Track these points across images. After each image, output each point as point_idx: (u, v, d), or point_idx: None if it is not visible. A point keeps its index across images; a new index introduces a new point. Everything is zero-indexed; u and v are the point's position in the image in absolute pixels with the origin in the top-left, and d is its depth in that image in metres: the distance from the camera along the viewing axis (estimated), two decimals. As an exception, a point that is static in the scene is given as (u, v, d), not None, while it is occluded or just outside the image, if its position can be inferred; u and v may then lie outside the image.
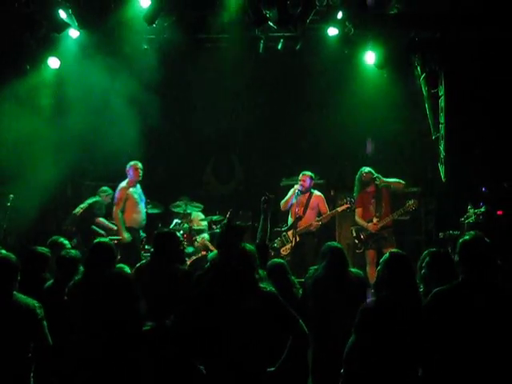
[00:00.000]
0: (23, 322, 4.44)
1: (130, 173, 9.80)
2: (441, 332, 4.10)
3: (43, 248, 5.98)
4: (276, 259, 6.00)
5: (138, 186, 9.94)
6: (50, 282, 5.59)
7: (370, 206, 9.48)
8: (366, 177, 9.50)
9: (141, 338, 4.46)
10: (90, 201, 10.59)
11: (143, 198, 10.00)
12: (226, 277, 4.07)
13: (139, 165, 9.87)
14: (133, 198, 9.76)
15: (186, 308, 4.10)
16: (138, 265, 6.02)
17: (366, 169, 9.57)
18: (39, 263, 5.77)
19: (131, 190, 9.77)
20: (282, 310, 4.09)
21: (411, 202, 9.34)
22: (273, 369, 4.05)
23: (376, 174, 9.48)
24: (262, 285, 4.15)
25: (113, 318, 4.31)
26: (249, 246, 4.28)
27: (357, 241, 9.54)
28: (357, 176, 9.64)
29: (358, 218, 9.55)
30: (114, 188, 10.23)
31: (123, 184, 9.80)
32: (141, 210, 9.92)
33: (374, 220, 9.36)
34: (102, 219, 10.39)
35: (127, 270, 5.49)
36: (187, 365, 4.04)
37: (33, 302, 4.57)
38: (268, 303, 4.05)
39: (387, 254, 4.64)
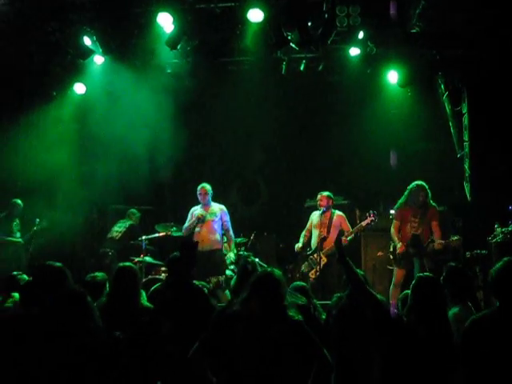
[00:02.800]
0: None
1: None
2: (479, 359, 4.02)
3: None
4: (298, 282, 5.93)
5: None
6: None
7: (407, 224, 8.79)
8: (415, 193, 8.82)
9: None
10: (125, 223, 10.67)
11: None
12: (254, 305, 4.02)
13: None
14: None
15: (211, 334, 4.06)
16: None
17: (419, 183, 8.87)
18: None
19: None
20: (307, 339, 4.04)
21: (456, 238, 8.64)
22: None
23: (429, 195, 8.81)
24: (290, 313, 4.08)
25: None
26: (277, 272, 4.21)
27: (391, 256, 8.91)
28: (408, 187, 8.93)
29: (393, 231, 8.88)
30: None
31: None
32: None
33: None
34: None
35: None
36: None
37: None
38: (295, 333, 3.99)
39: (417, 280, 4.56)
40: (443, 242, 8.56)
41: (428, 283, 4.46)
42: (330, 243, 9.14)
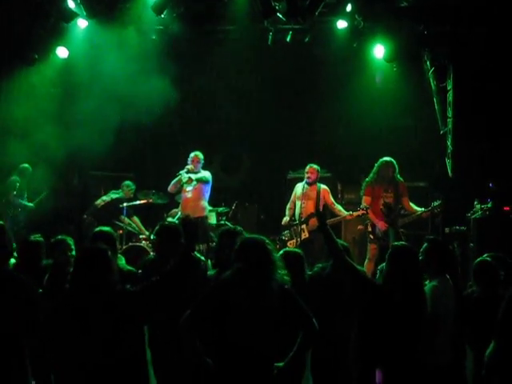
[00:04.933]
0: None
1: None
2: None
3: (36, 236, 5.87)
4: (294, 249, 5.86)
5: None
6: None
7: (380, 200, 9.01)
8: (385, 169, 9.10)
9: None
10: (113, 195, 10.62)
11: None
12: (244, 273, 4.00)
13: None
14: None
15: (202, 303, 4.04)
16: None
17: (387, 159, 9.15)
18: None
19: None
20: (296, 307, 4.03)
21: (438, 203, 8.94)
22: (281, 364, 3.98)
23: (397, 171, 9.10)
24: (278, 278, 4.06)
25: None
26: (263, 238, 4.17)
27: (371, 236, 9.07)
28: (376, 164, 9.19)
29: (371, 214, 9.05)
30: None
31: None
32: None
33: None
34: (129, 220, 10.31)
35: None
36: (196, 357, 4.00)
37: None
38: (284, 300, 3.98)
39: (392, 248, 4.65)
40: (429, 208, 8.91)
41: (403, 251, 4.60)
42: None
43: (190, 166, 9.56)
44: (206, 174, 9.68)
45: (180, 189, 9.71)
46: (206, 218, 9.76)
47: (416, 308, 4.38)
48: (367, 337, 4.50)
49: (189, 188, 9.59)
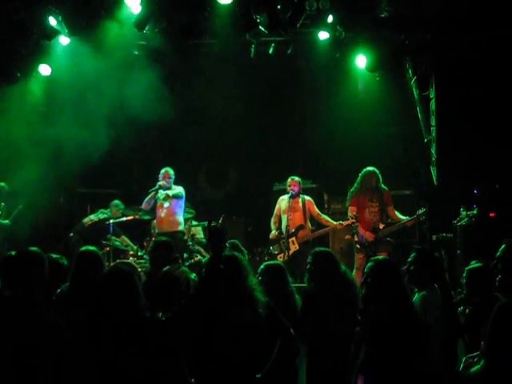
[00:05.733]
0: None
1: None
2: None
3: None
4: (275, 261, 5.86)
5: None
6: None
7: (365, 210, 9.18)
8: (368, 179, 9.19)
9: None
10: (101, 215, 10.58)
11: None
12: (218, 287, 3.97)
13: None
14: None
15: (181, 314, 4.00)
16: None
17: (370, 169, 9.24)
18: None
19: None
20: (273, 319, 4.04)
21: (422, 210, 9.10)
22: (259, 375, 3.99)
23: (381, 180, 9.20)
24: (256, 294, 4.06)
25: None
26: (236, 255, 4.21)
27: (358, 245, 9.09)
28: (360, 174, 9.29)
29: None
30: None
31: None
32: None
33: (381, 226, 9.10)
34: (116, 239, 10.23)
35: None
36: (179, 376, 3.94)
37: None
38: (261, 314, 3.98)
39: (371, 262, 4.63)
40: (414, 217, 9.05)
41: (383, 266, 4.58)
42: (307, 231, 9.48)
43: (161, 183, 9.73)
44: (180, 189, 9.85)
45: (154, 205, 9.87)
46: (182, 232, 9.87)
47: (404, 321, 4.34)
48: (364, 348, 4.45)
49: (166, 204, 9.73)
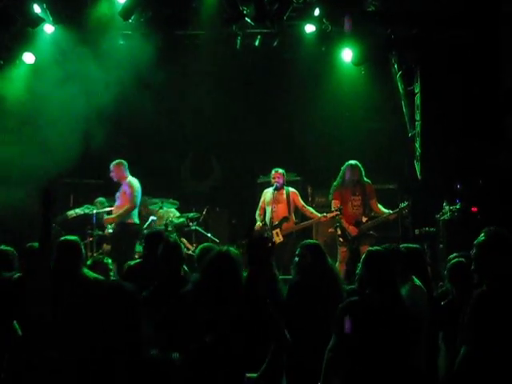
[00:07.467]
0: None
1: None
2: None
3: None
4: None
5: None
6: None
7: (348, 203, 9.22)
8: (351, 172, 9.22)
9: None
10: (86, 210, 10.51)
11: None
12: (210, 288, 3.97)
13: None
14: None
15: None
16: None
17: (352, 163, 9.27)
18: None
19: None
20: (268, 319, 3.99)
21: (405, 204, 9.17)
22: (255, 375, 3.92)
23: (363, 173, 9.25)
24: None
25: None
26: (233, 251, 4.10)
27: (341, 239, 9.15)
28: (342, 168, 9.32)
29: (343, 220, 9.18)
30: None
31: None
32: None
33: (364, 219, 9.15)
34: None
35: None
36: None
37: None
38: (256, 313, 3.96)
39: (366, 253, 4.66)
40: (396, 210, 9.12)
41: (377, 256, 4.61)
42: (291, 223, 9.55)
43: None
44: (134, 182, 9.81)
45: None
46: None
47: (398, 310, 4.37)
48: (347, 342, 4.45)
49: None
